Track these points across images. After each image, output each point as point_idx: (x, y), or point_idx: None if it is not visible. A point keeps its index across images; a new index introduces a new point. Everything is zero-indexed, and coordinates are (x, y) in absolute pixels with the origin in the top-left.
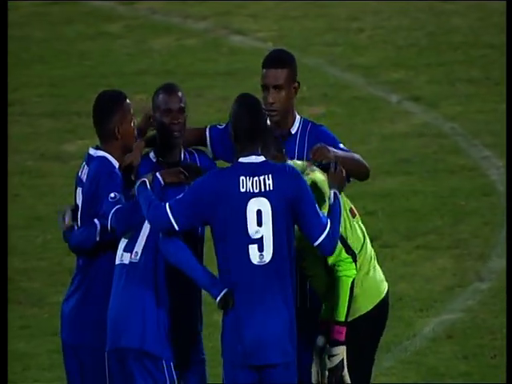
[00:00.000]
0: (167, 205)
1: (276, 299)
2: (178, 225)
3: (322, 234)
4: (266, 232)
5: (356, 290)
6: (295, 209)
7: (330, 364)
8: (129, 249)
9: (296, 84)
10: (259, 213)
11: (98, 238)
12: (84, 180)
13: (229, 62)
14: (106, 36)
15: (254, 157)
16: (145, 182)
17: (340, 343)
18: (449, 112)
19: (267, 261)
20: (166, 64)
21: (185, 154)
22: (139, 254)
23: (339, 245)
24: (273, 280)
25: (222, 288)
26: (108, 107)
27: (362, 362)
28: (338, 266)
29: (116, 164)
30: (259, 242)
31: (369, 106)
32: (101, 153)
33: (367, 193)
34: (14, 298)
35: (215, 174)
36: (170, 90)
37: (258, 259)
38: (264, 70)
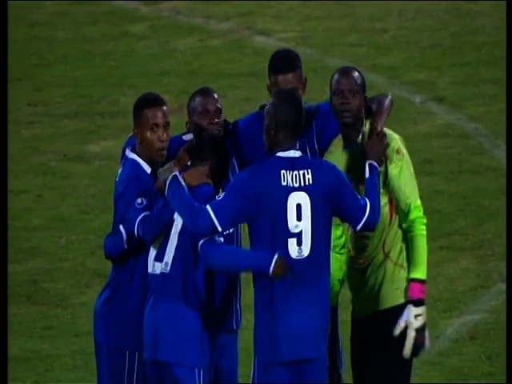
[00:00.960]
0: (209, 208)
1: (312, 294)
2: (221, 227)
3: (363, 215)
4: (305, 226)
5: (404, 273)
6: (334, 199)
7: (417, 324)
8: (159, 258)
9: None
10: (299, 207)
11: (125, 246)
12: (117, 181)
13: (252, 62)
14: (130, 36)
15: (292, 151)
16: (177, 177)
17: (424, 302)
18: (472, 112)
19: (305, 255)
20: (190, 65)
21: None
22: (169, 265)
23: (419, 203)
24: (310, 275)
25: (271, 258)
26: (133, 109)
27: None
28: (415, 223)
29: (147, 169)
30: (298, 236)
31: (392, 106)
32: (133, 155)
33: None
34: (37, 298)
35: (255, 170)
36: (205, 92)
37: (297, 253)
38: (279, 77)
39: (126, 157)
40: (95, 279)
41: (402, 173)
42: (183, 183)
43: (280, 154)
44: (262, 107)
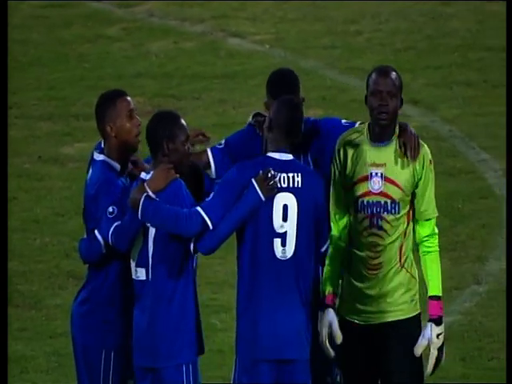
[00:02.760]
0: (199, 209)
1: (294, 296)
2: (212, 224)
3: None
4: (290, 228)
5: (416, 284)
6: (317, 209)
7: (439, 343)
8: (140, 264)
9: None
10: (285, 208)
11: (104, 251)
12: (87, 184)
13: (226, 64)
14: (104, 39)
15: (284, 154)
16: (148, 196)
17: (443, 319)
18: (447, 115)
19: (288, 256)
20: (164, 67)
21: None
22: (150, 273)
23: (434, 219)
24: (292, 276)
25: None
26: (99, 107)
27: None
28: (433, 238)
29: (117, 167)
30: (283, 236)
31: (367, 108)
32: (102, 156)
33: None
34: (12, 300)
35: (243, 166)
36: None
37: (281, 254)
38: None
39: (95, 160)
40: (70, 281)
41: (431, 184)
42: (156, 198)
43: (271, 154)
44: (255, 115)
